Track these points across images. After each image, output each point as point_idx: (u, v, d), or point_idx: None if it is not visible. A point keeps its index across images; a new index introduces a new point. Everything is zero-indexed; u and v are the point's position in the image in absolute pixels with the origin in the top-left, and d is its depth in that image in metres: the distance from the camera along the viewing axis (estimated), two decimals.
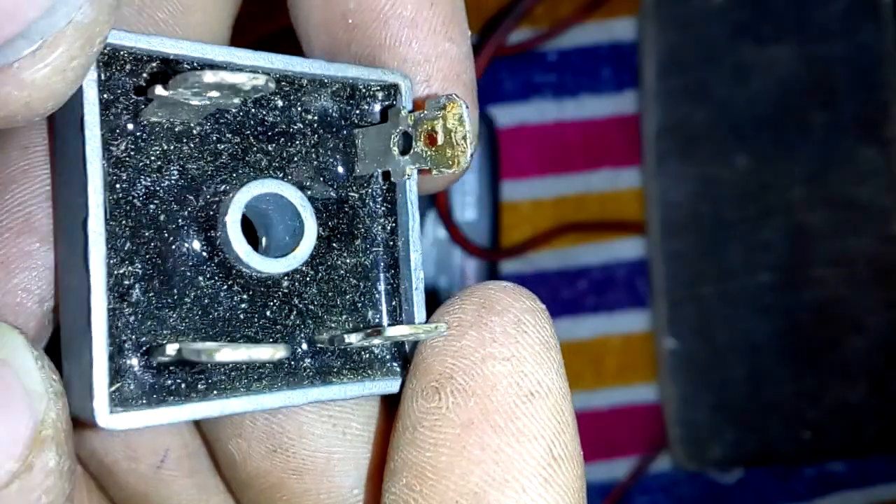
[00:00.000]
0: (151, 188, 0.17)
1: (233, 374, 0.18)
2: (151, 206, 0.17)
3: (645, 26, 0.51)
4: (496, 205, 0.49)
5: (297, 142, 0.19)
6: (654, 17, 0.51)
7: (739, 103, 0.51)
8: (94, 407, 0.16)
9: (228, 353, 0.16)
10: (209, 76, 0.16)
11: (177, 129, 0.18)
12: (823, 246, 0.51)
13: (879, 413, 0.52)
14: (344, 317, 0.19)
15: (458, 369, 0.16)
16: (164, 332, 0.17)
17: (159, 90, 0.16)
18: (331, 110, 0.19)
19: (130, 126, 0.17)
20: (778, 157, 0.51)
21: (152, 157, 0.17)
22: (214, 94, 0.16)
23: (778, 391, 0.51)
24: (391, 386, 0.19)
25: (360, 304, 0.19)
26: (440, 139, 0.18)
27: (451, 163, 0.18)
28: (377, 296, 0.20)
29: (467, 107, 0.18)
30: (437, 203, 0.47)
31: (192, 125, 0.18)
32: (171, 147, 0.18)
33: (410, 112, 0.19)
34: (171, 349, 0.16)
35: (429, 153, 0.18)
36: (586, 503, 0.15)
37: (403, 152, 0.19)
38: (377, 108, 0.20)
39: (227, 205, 0.18)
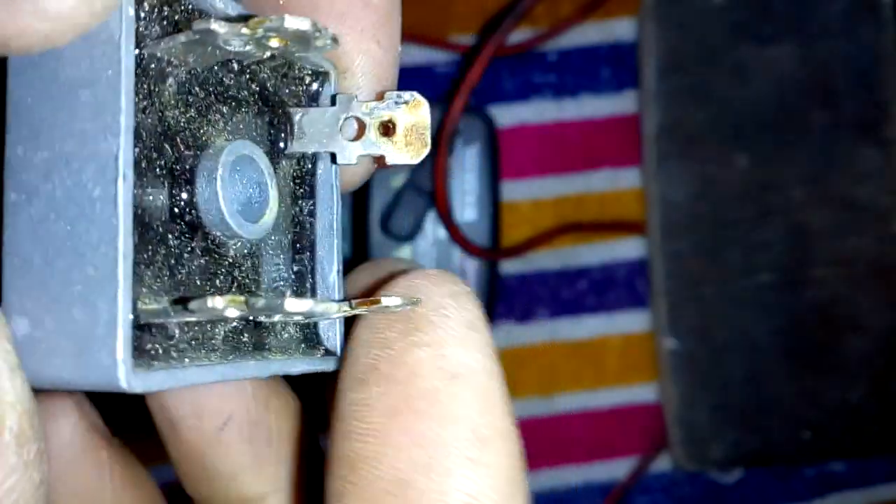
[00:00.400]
0: (137, 129, 0.16)
1: (193, 342, 0.17)
2: (136, 148, 0.16)
3: (645, 26, 0.51)
4: (496, 205, 0.49)
5: (243, 109, 0.19)
6: (654, 17, 0.51)
7: (739, 103, 0.51)
8: (118, 366, 0.14)
9: (295, 304, 0.15)
10: (293, 22, 0.15)
11: (165, 71, 0.17)
12: (823, 246, 0.51)
13: (879, 413, 0.52)
14: (263, 293, 0.19)
15: (383, 359, 0.16)
16: (142, 289, 0.16)
17: (216, 25, 0.15)
18: (268, 84, 0.19)
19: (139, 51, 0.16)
20: (778, 157, 0.51)
21: (140, 95, 0.16)
22: (275, 43, 0.16)
23: (778, 391, 0.51)
24: (327, 364, 0.19)
25: (278, 282, 0.19)
26: (398, 131, 0.19)
27: (411, 155, 0.19)
28: (292, 276, 0.20)
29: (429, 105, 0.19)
30: (437, 203, 0.47)
31: (179, 71, 0.17)
32: (157, 89, 0.17)
33: (364, 102, 0.19)
34: (202, 304, 0.15)
35: (383, 143, 0.19)
36: (523, 483, 0.15)
37: (354, 139, 0.19)
38: (303, 90, 0.20)
39: (215, 161, 0.17)
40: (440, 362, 0.15)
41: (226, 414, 0.20)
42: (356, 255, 0.48)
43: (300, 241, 0.20)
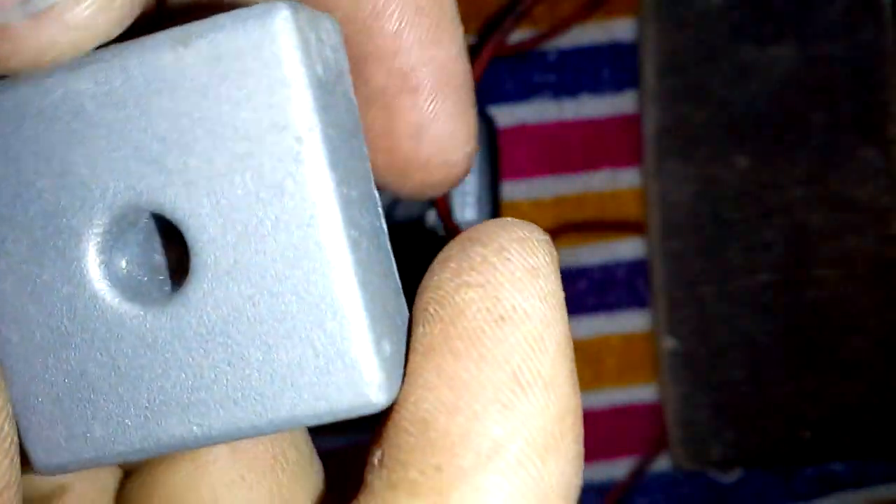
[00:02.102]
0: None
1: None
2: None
3: (645, 26, 0.51)
4: (496, 205, 0.49)
5: None
6: (654, 17, 0.51)
7: (739, 103, 0.51)
8: (372, 386, 0.13)
9: None
10: None
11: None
12: (823, 246, 0.51)
13: (879, 413, 0.52)
14: None
15: (433, 301, 0.14)
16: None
17: None
18: None
19: None
20: (778, 157, 0.51)
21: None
22: None
23: (778, 391, 0.51)
24: None
25: None
26: None
27: None
28: None
29: None
30: (437, 203, 0.47)
31: None
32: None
33: None
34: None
35: None
36: (568, 441, 0.13)
37: None
38: None
39: None
40: (490, 304, 0.14)
41: None
42: None
43: None
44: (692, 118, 0.51)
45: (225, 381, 0.14)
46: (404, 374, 0.14)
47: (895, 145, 0.51)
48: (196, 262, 0.14)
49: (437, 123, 0.18)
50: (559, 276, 0.15)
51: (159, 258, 0.16)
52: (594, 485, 0.52)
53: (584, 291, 0.52)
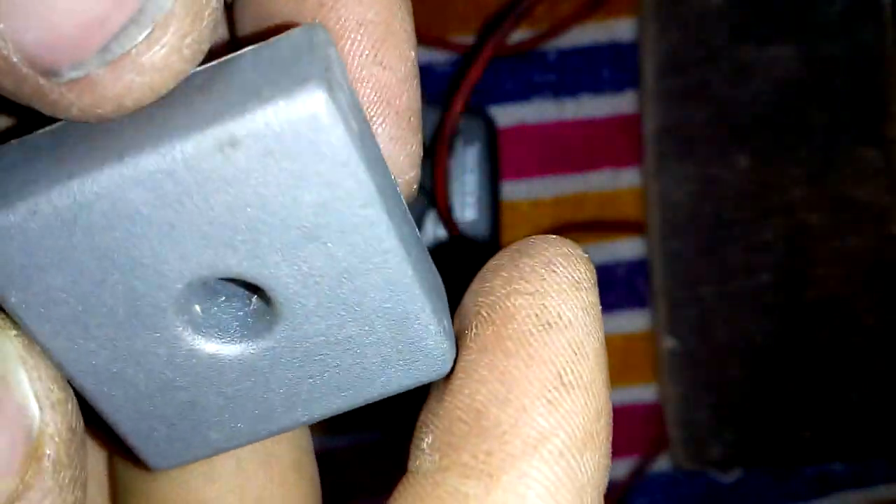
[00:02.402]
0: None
1: None
2: None
3: (645, 26, 0.51)
4: (496, 204, 0.49)
5: None
6: (654, 17, 0.51)
7: (739, 103, 0.51)
8: (440, 357, 0.16)
9: None
10: None
11: None
12: (823, 246, 0.51)
13: (879, 413, 0.52)
14: None
15: (485, 305, 0.16)
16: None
17: None
18: None
19: None
20: (778, 157, 0.51)
21: None
22: None
23: (778, 391, 0.51)
24: None
25: None
26: None
27: None
28: None
29: None
30: (437, 203, 0.47)
31: None
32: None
33: None
34: None
35: None
36: (600, 440, 0.15)
37: None
38: None
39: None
40: (538, 310, 0.15)
41: None
42: None
43: None
44: (692, 118, 0.51)
45: (323, 381, 0.16)
46: (456, 356, 0.16)
47: (895, 145, 0.51)
48: (281, 308, 0.15)
49: None
50: (598, 290, 0.17)
51: (236, 290, 0.17)
52: None
53: None
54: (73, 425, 0.15)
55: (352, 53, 0.17)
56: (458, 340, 0.16)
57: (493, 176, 0.49)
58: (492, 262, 0.17)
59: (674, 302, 0.51)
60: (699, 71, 0.51)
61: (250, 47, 0.14)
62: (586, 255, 0.17)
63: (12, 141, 0.15)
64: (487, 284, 0.16)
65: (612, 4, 0.51)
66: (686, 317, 0.51)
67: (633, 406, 0.52)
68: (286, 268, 0.15)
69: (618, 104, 0.52)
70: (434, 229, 0.48)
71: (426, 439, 0.15)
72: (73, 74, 0.13)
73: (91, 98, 0.13)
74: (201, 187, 0.14)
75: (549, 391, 0.15)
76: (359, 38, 0.17)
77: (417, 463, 0.15)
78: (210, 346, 0.16)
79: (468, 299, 0.16)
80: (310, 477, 0.21)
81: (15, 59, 0.13)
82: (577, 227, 0.51)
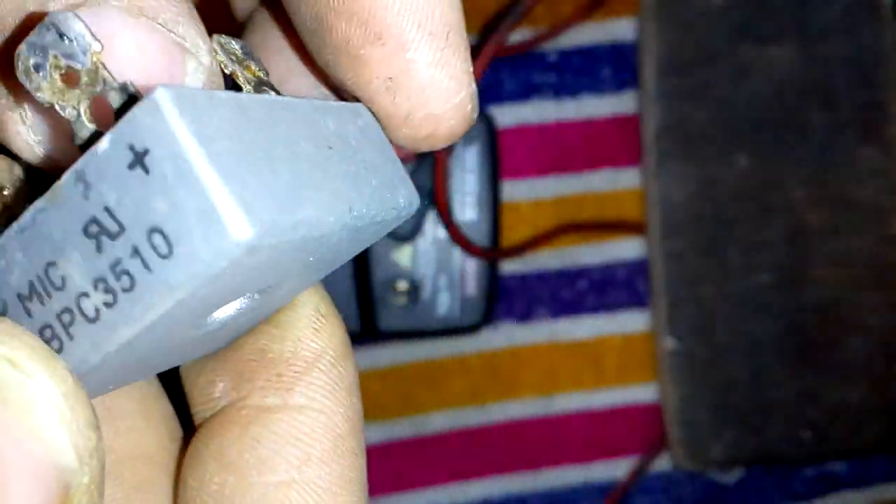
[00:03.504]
0: None
1: None
2: None
3: (645, 26, 0.51)
4: (496, 205, 0.49)
5: None
6: (654, 17, 0.51)
7: (739, 103, 0.51)
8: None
9: None
10: None
11: None
12: (823, 246, 0.51)
13: (879, 413, 0.52)
14: None
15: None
16: None
17: None
18: None
19: None
20: (778, 157, 0.51)
21: None
22: None
23: (778, 391, 0.51)
24: None
25: None
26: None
27: None
28: None
29: None
30: (437, 203, 0.47)
31: None
32: None
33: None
34: None
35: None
36: (350, 351, 0.19)
37: None
38: None
39: None
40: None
41: None
42: (356, 255, 0.48)
43: None
44: (692, 118, 0.51)
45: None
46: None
47: (895, 145, 0.51)
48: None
49: (411, 75, 0.17)
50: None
51: None
52: (594, 485, 0.52)
53: (584, 291, 0.52)
54: (103, 465, 0.14)
55: (419, 59, 0.17)
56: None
57: (493, 176, 0.49)
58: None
59: (674, 302, 0.51)
60: (699, 71, 0.51)
61: None
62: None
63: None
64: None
65: (612, 4, 0.51)
66: (686, 317, 0.51)
67: (633, 406, 0.52)
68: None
69: (618, 104, 0.52)
70: (434, 229, 0.48)
71: (216, 388, 0.18)
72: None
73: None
74: None
75: (314, 322, 0.18)
76: (421, 38, 0.17)
77: (211, 405, 0.18)
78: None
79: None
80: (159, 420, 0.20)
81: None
82: (577, 227, 0.51)
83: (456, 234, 0.47)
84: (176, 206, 0.13)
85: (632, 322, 0.52)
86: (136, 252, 0.13)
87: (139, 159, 0.13)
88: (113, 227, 0.13)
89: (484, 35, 0.50)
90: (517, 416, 0.51)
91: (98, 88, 0.14)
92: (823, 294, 0.51)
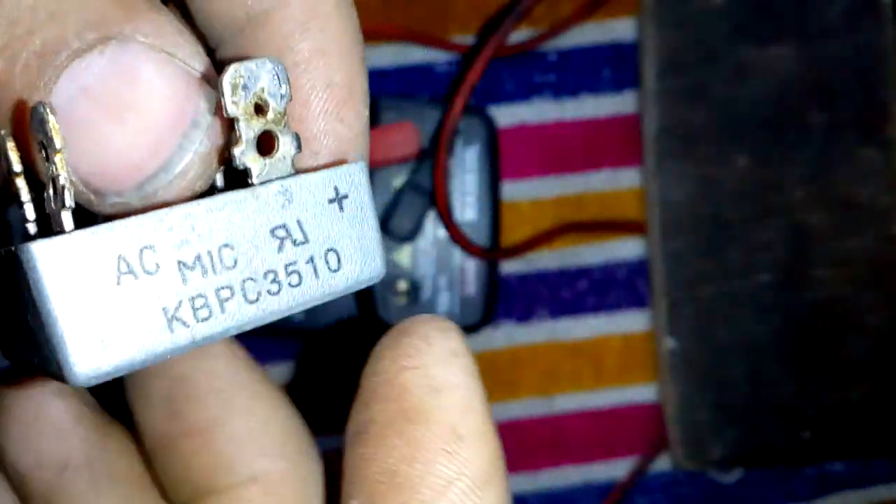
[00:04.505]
0: None
1: None
2: None
3: (645, 26, 0.51)
4: (496, 205, 0.49)
5: None
6: (654, 17, 0.51)
7: (739, 103, 0.51)
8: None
9: None
10: None
11: None
12: (823, 246, 0.51)
13: (879, 413, 0.52)
14: None
15: (380, 384, 0.19)
16: None
17: None
18: None
19: None
20: (778, 157, 0.51)
21: None
22: None
23: (778, 391, 0.51)
24: None
25: None
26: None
27: None
28: None
29: None
30: (437, 203, 0.47)
31: None
32: None
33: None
34: None
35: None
36: (498, 475, 0.18)
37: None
38: None
39: None
40: (426, 380, 0.19)
41: (63, 459, 0.23)
42: None
43: None
44: (692, 118, 0.51)
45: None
46: (367, 431, 0.20)
47: (895, 145, 0.51)
48: None
49: None
50: (472, 355, 0.20)
51: None
52: (594, 485, 0.52)
53: (584, 291, 0.52)
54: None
55: (319, 110, 0.20)
56: (364, 416, 0.19)
57: (493, 176, 0.49)
58: (379, 346, 0.20)
59: (674, 302, 0.51)
60: (699, 71, 0.51)
61: None
62: (455, 326, 0.20)
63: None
64: (378, 365, 0.19)
65: (612, 4, 0.51)
66: (686, 317, 0.51)
67: (633, 406, 0.52)
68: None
69: (618, 104, 0.52)
70: (434, 229, 0.48)
71: (352, 503, 0.19)
72: (115, 200, 0.16)
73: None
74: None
75: (447, 444, 0.18)
76: (326, 97, 0.20)
77: None
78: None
79: (365, 381, 0.20)
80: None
81: (74, 179, 0.16)
82: (577, 227, 0.51)
83: (456, 234, 0.47)
84: (351, 239, 0.18)
85: (632, 322, 0.52)
86: (311, 260, 0.17)
87: (338, 198, 0.18)
88: (299, 236, 0.17)
89: (484, 35, 0.50)
90: (517, 416, 0.52)
91: (278, 127, 0.17)
92: (823, 294, 0.51)
